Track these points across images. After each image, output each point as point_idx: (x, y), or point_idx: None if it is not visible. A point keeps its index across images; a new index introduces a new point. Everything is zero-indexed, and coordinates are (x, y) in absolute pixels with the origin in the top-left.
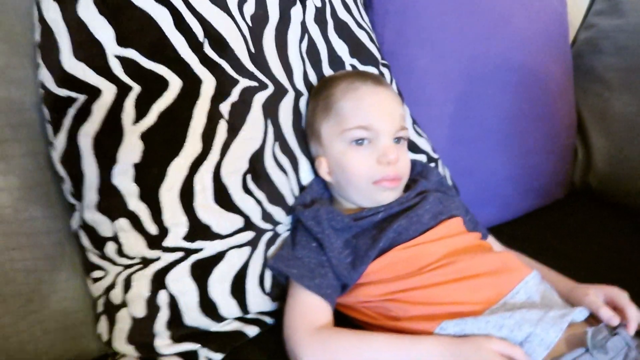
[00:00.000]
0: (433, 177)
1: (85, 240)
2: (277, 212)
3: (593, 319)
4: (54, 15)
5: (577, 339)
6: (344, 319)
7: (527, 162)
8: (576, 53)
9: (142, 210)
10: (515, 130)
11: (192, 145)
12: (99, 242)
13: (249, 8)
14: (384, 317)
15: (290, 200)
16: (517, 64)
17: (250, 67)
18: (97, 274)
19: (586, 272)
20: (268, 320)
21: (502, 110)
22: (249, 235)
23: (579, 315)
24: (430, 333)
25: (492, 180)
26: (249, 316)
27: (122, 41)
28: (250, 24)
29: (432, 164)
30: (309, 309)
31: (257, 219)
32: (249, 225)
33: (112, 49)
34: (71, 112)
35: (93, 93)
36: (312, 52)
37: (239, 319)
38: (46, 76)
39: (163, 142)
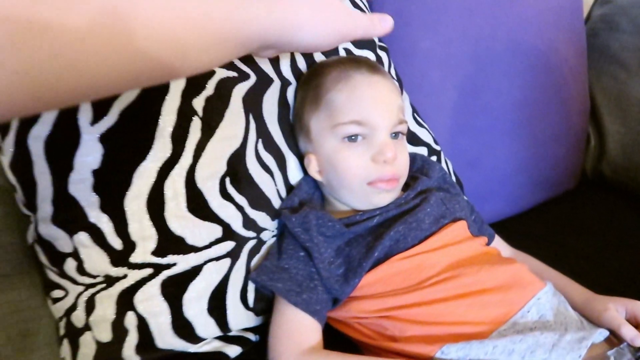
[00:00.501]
0: (435, 173)
1: (42, 257)
2: (261, 218)
3: (613, 335)
4: None
5: None
6: (336, 335)
7: (537, 152)
8: (590, 31)
9: (104, 223)
10: (525, 118)
11: (161, 147)
12: (57, 258)
13: None
14: (380, 336)
15: (276, 204)
16: (527, 45)
17: None
18: (57, 293)
19: (600, 271)
20: (252, 337)
21: (511, 96)
22: (228, 245)
23: (599, 337)
24: (430, 358)
25: (499, 172)
26: (230, 334)
27: None
28: None
29: (434, 157)
30: (295, 329)
31: (237, 226)
32: (228, 234)
33: None
34: None
35: None
36: None
37: (219, 337)
38: None
39: (126, 145)
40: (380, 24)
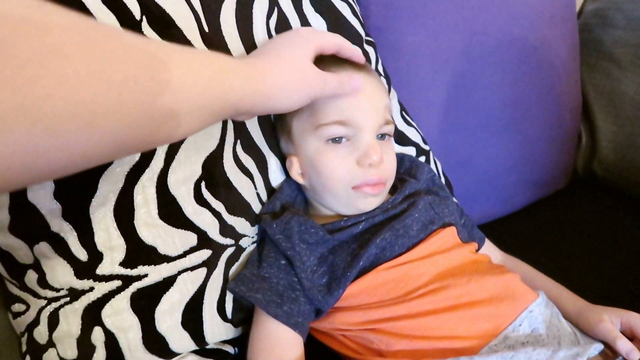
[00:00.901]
0: (423, 175)
1: (1, 268)
2: (239, 224)
3: (608, 348)
4: None
5: None
6: (319, 347)
7: (529, 151)
8: (583, 26)
9: (67, 232)
10: (516, 115)
11: None
12: (17, 270)
13: None
14: (366, 350)
15: (256, 208)
16: (519, 39)
17: (204, 49)
18: (17, 307)
19: (591, 272)
20: (230, 349)
21: (502, 92)
22: (204, 254)
23: (593, 352)
24: None
25: (490, 171)
26: (207, 347)
27: None
28: None
29: (423, 158)
30: (276, 342)
31: (214, 233)
32: (204, 242)
33: None
34: None
35: None
36: (283, 30)
37: (195, 351)
38: None
39: None
40: (349, 83)
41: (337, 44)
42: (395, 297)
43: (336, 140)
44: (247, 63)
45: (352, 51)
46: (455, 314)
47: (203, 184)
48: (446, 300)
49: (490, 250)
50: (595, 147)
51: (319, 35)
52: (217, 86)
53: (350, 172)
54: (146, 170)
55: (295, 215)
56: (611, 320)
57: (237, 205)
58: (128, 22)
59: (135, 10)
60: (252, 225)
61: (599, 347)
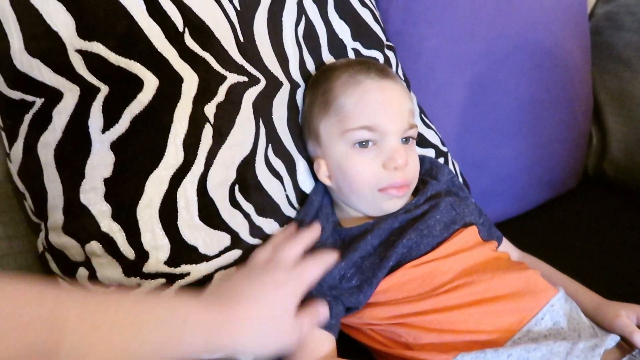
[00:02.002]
0: (443, 176)
1: (54, 265)
2: (267, 225)
3: (625, 342)
4: None
5: None
6: (349, 341)
7: (542, 151)
8: (594, 29)
9: (116, 232)
10: (531, 117)
11: (173, 154)
12: (69, 267)
13: None
14: (394, 344)
15: (285, 209)
16: (534, 43)
17: (239, 59)
18: None
19: (603, 270)
20: None
21: (518, 95)
22: (236, 254)
23: (611, 343)
24: None
25: (505, 172)
26: None
27: (84, 32)
28: (238, 8)
29: (441, 159)
30: (309, 339)
31: (245, 234)
32: (236, 242)
33: (73, 42)
34: (27, 118)
35: (52, 96)
36: (310, 37)
37: None
38: None
39: (138, 153)
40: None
41: (318, 273)
42: (422, 292)
43: (363, 144)
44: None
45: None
46: (479, 308)
47: (237, 187)
48: (471, 295)
49: (508, 248)
50: (605, 148)
51: (300, 276)
52: (173, 344)
53: (376, 175)
54: (188, 174)
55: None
56: (627, 316)
57: (267, 206)
58: (172, 33)
59: (179, 22)
60: (280, 226)
61: (616, 338)
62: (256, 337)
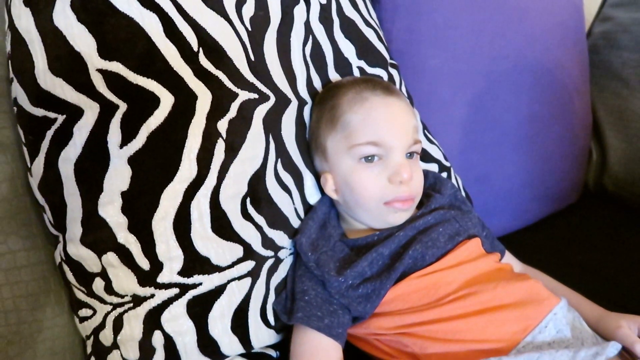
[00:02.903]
0: (447, 190)
1: (70, 276)
2: (278, 237)
3: (626, 352)
4: (25, 23)
5: None
6: (356, 351)
7: (543, 167)
8: (592, 47)
9: (132, 244)
10: (531, 133)
11: (187, 168)
12: (86, 278)
13: (248, 10)
14: (400, 354)
15: (294, 222)
16: (534, 61)
17: (250, 77)
18: (84, 312)
19: (605, 283)
20: (273, 353)
21: (518, 112)
22: (249, 265)
23: (612, 351)
24: None
25: (507, 187)
26: (252, 351)
27: (105, 53)
28: (249, 28)
29: (444, 174)
30: (317, 350)
31: (257, 246)
32: (249, 253)
33: (94, 62)
34: (49, 134)
35: (73, 113)
36: (317, 56)
37: (242, 355)
38: (19, 92)
39: (154, 167)
40: None
41: None
42: (427, 303)
43: (369, 159)
44: None
45: None
46: (484, 317)
47: (248, 200)
48: (475, 305)
49: (510, 261)
50: (605, 163)
51: None
52: None
53: (382, 189)
54: (201, 187)
55: (329, 250)
56: (629, 326)
57: (277, 219)
58: (187, 52)
59: (193, 42)
60: (290, 238)
61: (618, 346)
62: None
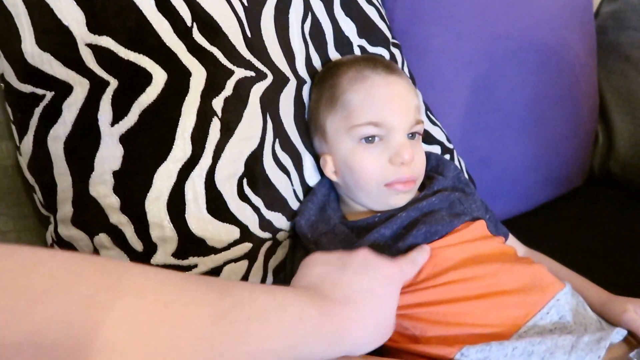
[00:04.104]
0: (450, 172)
1: None
2: (276, 219)
3: (632, 336)
4: None
5: None
6: None
7: (548, 150)
8: (599, 28)
9: (125, 225)
10: (537, 116)
11: (181, 148)
12: None
13: None
14: (401, 337)
15: (292, 204)
16: (539, 42)
17: (247, 54)
18: None
19: (611, 268)
20: None
21: (523, 93)
22: (246, 247)
23: (617, 336)
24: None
25: (511, 169)
26: None
27: (94, 27)
28: (245, 4)
29: (447, 156)
30: None
31: (254, 228)
32: (246, 235)
33: (83, 36)
34: (37, 112)
35: (62, 89)
36: (316, 33)
37: None
38: (6, 68)
39: (147, 146)
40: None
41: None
42: (425, 278)
43: (369, 139)
44: (324, 316)
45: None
46: (486, 301)
47: (245, 180)
48: (477, 288)
49: (514, 244)
50: (611, 146)
51: (404, 274)
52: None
53: (382, 170)
54: (196, 167)
55: (329, 232)
56: (635, 310)
57: (275, 200)
58: (181, 27)
59: (187, 17)
60: (288, 220)
61: (622, 331)
62: (369, 336)
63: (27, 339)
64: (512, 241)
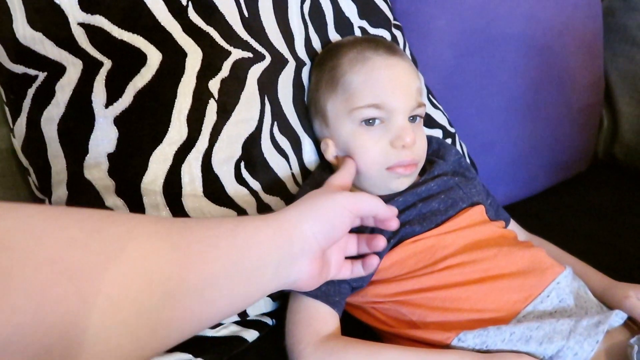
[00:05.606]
0: (451, 156)
1: None
2: (275, 203)
3: (632, 322)
4: None
5: (619, 348)
6: (354, 322)
7: (551, 134)
8: (607, 10)
9: (120, 208)
10: (539, 99)
11: (177, 130)
12: None
13: None
14: (398, 323)
15: (291, 188)
16: (544, 24)
17: (244, 34)
18: None
19: (613, 253)
20: (268, 321)
21: (526, 77)
22: None
23: (617, 320)
24: (447, 345)
25: (513, 154)
26: (247, 318)
27: (87, 5)
28: None
29: (449, 140)
30: (314, 318)
31: (252, 212)
32: None
33: (75, 15)
34: (30, 93)
35: (55, 70)
36: (316, 14)
37: (237, 322)
38: None
39: (142, 128)
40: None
41: (373, 208)
42: (424, 266)
43: (370, 122)
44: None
45: (386, 214)
46: (484, 285)
47: (242, 164)
48: (475, 272)
49: (515, 229)
50: (616, 131)
51: (357, 204)
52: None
53: (384, 154)
54: (192, 150)
55: None
56: (637, 296)
57: (274, 184)
58: (175, 7)
59: None
60: (287, 204)
61: (623, 315)
62: (316, 227)
63: None
64: (514, 226)
